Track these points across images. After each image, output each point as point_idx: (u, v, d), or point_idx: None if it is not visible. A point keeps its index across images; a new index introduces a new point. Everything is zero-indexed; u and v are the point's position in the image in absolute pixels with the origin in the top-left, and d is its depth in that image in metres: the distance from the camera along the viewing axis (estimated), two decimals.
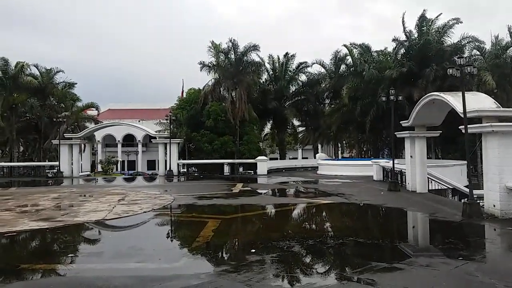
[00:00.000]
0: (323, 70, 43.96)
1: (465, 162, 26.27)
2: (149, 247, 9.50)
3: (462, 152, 32.47)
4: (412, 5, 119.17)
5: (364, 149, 46.99)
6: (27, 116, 41.88)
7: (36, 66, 40.31)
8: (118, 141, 72.46)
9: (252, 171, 34.98)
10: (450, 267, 7.38)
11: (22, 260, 8.67)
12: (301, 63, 44.13)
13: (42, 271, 7.69)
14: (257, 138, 41.04)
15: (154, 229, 12.36)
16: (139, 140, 71.69)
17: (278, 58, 45.19)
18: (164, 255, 8.78)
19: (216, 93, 38.06)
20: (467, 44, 36.07)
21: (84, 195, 19.42)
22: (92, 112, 47.17)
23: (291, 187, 24.79)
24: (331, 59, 43.03)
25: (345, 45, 41.53)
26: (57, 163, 34.17)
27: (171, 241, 11.17)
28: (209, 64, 37.75)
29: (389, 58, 38.70)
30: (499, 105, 13.06)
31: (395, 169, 21.17)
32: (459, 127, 13.32)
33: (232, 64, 37.74)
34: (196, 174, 35.41)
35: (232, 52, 37.80)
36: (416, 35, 37.43)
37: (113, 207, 14.82)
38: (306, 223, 14.06)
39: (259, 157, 35.27)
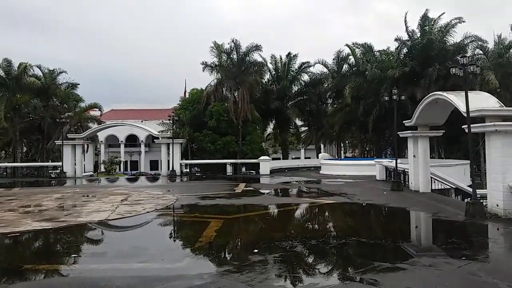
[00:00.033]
0: (325, 70, 44.00)
1: (468, 161, 26.32)
2: (152, 247, 9.51)
3: (465, 151, 32.45)
4: (415, 4, 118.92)
5: (367, 148, 46.89)
6: (30, 117, 41.98)
7: (39, 67, 40.46)
8: (121, 141, 72.64)
9: (255, 171, 34.99)
10: (453, 267, 7.36)
11: (25, 260, 8.69)
12: (303, 63, 44.14)
13: (45, 271, 7.71)
14: (259, 138, 41.02)
15: (157, 229, 12.37)
16: (142, 141, 71.84)
17: (281, 58, 45.22)
18: (167, 255, 8.78)
19: (218, 93, 38.06)
20: (470, 44, 36.05)
21: (87, 195, 19.46)
22: (95, 112, 47.29)
23: (294, 187, 24.78)
24: (333, 59, 43.07)
25: (347, 45, 41.54)
26: (60, 163, 34.26)
27: (174, 241, 11.19)
28: (212, 65, 37.77)
29: (391, 58, 38.67)
30: (502, 105, 13.00)
31: (398, 168, 21.13)
32: (462, 127, 13.29)
33: (235, 64, 37.75)
34: (198, 174, 35.44)
35: (235, 52, 37.81)
36: (418, 35, 37.40)
37: (116, 207, 14.85)
38: (309, 223, 14.04)
39: (262, 157, 35.26)
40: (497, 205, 12.22)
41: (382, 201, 17.05)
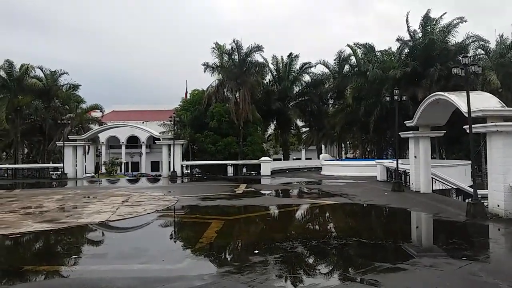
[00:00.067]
0: (326, 70, 43.96)
1: (469, 162, 26.26)
2: (153, 248, 9.52)
3: (467, 152, 32.41)
4: (415, 4, 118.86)
5: (368, 149, 46.86)
6: (32, 118, 42.03)
7: (41, 68, 40.49)
8: (122, 142, 72.67)
9: (256, 172, 34.99)
10: (454, 267, 7.35)
11: (26, 261, 8.70)
12: (304, 64, 44.12)
13: (46, 272, 7.71)
14: (260, 139, 40.99)
15: (158, 230, 12.37)
16: (143, 142, 71.86)
17: (282, 59, 45.22)
18: (168, 256, 8.78)
19: (219, 94, 38.07)
20: (471, 43, 35.98)
21: (88, 197, 19.46)
22: (96, 113, 47.32)
23: (295, 188, 24.77)
24: (335, 59, 43.06)
25: (349, 45, 41.54)
26: (61, 164, 34.30)
27: (175, 242, 11.20)
28: (213, 65, 37.79)
29: (393, 58, 38.69)
30: (504, 105, 12.98)
31: (399, 169, 21.11)
32: (464, 127, 13.27)
33: (236, 65, 37.76)
34: (199, 175, 35.45)
35: (236, 53, 37.83)
36: (420, 35, 37.38)
37: (117, 209, 14.86)
38: (310, 224, 14.03)
39: (263, 158, 35.26)
40: (498, 206, 12.20)
41: (383, 201, 17.03)
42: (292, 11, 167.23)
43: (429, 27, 36.92)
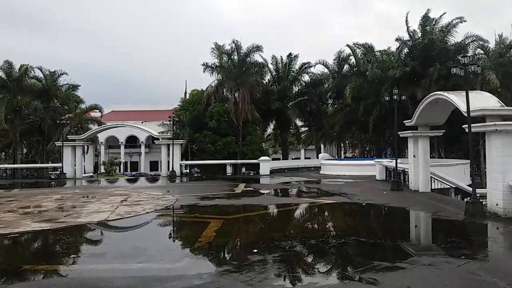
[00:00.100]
0: (326, 70, 43.98)
1: (468, 161, 26.31)
2: (152, 248, 9.52)
3: (465, 151, 32.44)
4: (415, 4, 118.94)
5: (367, 148, 46.88)
6: (31, 118, 42.00)
7: (40, 69, 40.44)
8: (121, 142, 72.62)
9: (255, 172, 34.97)
10: (453, 266, 7.35)
11: (25, 261, 8.69)
12: (304, 64, 44.12)
13: (44, 272, 7.71)
14: (259, 139, 40.99)
15: (157, 230, 12.36)
16: (142, 142, 71.83)
17: (281, 59, 45.21)
18: (167, 256, 8.78)
19: (219, 94, 38.05)
20: (471, 43, 36.01)
21: (87, 196, 19.44)
22: (95, 113, 47.30)
23: (294, 187, 24.77)
24: (334, 59, 43.08)
25: (348, 45, 41.56)
26: (60, 164, 34.26)
27: (173, 241, 11.20)
28: (212, 65, 37.76)
29: (392, 58, 38.69)
30: (503, 104, 13.00)
31: (398, 168, 21.12)
32: (463, 126, 13.28)
33: (235, 65, 37.74)
34: (198, 175, 35.44)
35: (235, 53, 37.81)
36: (419, 35, 37.40)
37: (116, 208, 14.85)
38: (309, 223, 14.04)
39: (262, 158, 35.26)
40: (497, 205, 12.22)
41: (382, 200, 17.04)
42: (292, 11, 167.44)
43: (429, 27, 36.93)
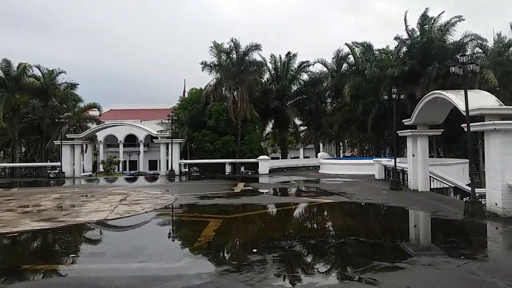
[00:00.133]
0: (325, 69, 44.02)
1: (467, 160, 26.31)
2: (151, 247, 9.50)
3: (464, 150, 32.50)
4: (415, 4, 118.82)
5: (366, 148, 46.92)
6: (29, 117, 41.94)
7: (38, 67, 40.38)
8: (120, 141, 72.61)
9: (254, 171, 34.95)
10: (452, 266, 7.35)
11: (24, 260, 8.68)
12: (303, 62, 44.15)
13: (44, 271, 7.69)
14: (258, 138, 41.01)
15: (156, 229, 12.36)
16: (141, 140, 71.82)
17: (280, 58, 45.22)
18: (166, 255, 8.77)
19: (218, 93, 38.05)
20: (469, 42, 36.05)
21: (86, 195, 19.43)
22: (94, 112, 47.25)
23: (293, 187, 24.75)
24: (333, 58, 43.08)
25: (347, 44, 41.57)
26: (59, 163, 34.20)
27: (173, 241, 11.19)
28: (211, 64, 37.77)
29: (391, 57, 38.68)
30: (502, 103, 13.00)
31: (397, 168, 21.11)
32: (462, 125, 13.28)
33: (234, 64, 37.73)
34: (197, 174, 35.40)
35: (234, 52, 37.79)
36: (418, 33, 37.41)
37: (115, 207, 14.83)
38: (308, 223, 14.04)
39: (261, 157, 35.23)
40: (496, 204, 12.22)
41: (381, 200, 17.05)
42: (292, 11, 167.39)
43: (427, 26, 36.93)
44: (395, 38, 38.17)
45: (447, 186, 20.19)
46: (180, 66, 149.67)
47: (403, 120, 19.39)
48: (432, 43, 35.46)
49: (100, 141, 63.93)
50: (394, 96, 21.04)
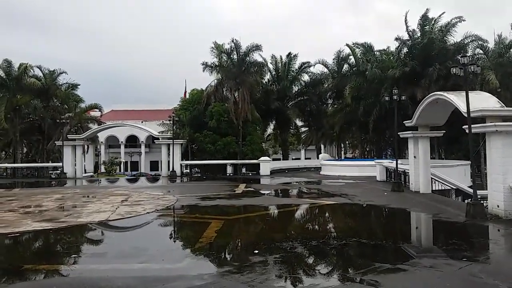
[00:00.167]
0: (326, 70, 43.94)
1: (469, 162, 26.32)
2: (152, 248, 9.51)
3: (466, 152, 32.44)
4: (415, 4, 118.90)
5: (367, 149, 46.88)
6: (31, 118, 41.96)
7: (40, 68, 40.39)
8: (121, 142, 72.62)
9: (255, 172, 34.95)
10: (454, 268, 7.35)
11: (25, 260, 8.69)
12: (303, 63, 44.07)
13: (45, 271, 7.71)
14: (260, 139, 40.97)
15: (157, 230, 12.37)
16: (142, 141, 71.83)
17: (281, 58, 45.18)
18: (167, 256, 8.78)
19: (219, 94, 38.04)
20: (470, 43, 36.01)
21: (87, 196, 19.45)
22: (95, 113, 47.27)
23: (294, 188, 24.75)
24: (333, 59, 43.03)
25: (347, 45, 41.52)
26: (60, 164, 34.24)
27: (174, 241, 11.20)
28: (212, 65, 37.73)
29: (392, 58, 38.68)
30: (503, 105, 12.99)
31: (399, 169, 21.11)
32: (463, 127, 13.28)
33: (235, 65, 37.73)
34: (199, 175, 35.40)
35: (235, 53, 37.77)
36: (419, 34, 37.38)
37: (116, 208, 14.84)
38: (309, 224, 14.03)
39: (262, 158, 35.22)
40: (498, 206, 12.21)
41: (383, 202, 17.03)
42: (292, 11, 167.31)
43: (428, 26, 36.92)
44: (396, 39, 38.15)
45: (449, 188, 20.16)
46: (180, 66, 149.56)
47: (404, 122, 19.37)
48: (433, 44, 35.44)
49: (101, 142, 63.94)
50: (395, 97, 21.05)
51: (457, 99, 13.71)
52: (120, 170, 64.80)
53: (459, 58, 13.95)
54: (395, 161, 21.36)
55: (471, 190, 15.20)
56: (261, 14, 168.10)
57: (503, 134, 12.02)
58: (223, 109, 36.45)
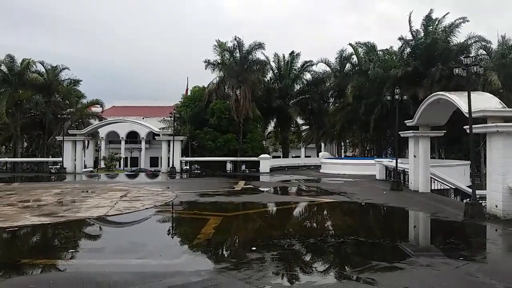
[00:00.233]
0: (328, 68, 43.87)
1: (469, 162, 26.29)
2: (150, 244, 9.52)
3: (466, 152, 32.41)
4: (417, 4, 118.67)
5: (368, 148, 46.86)
6: (32, 113, 42.02)
7: (42, 63, 40.44)
8: (122, 138, 72.63)
9: (255, 169, 34.94)
10: (451, 267, 7.35)
11: (23, 255, 8.70)
12: (306, 62, 44.01)
13: (43, 266, 7.71)
14: (260, 136, 40.98)
15: (156, 226, 12.37)
16: (143, 137, 71.82)
17: (283, 57, 45.12)
18: (165, 252, 8.79)
19: (220, 91, 38.06)
20: (473, 44, 35.89)
21: (87, 191, 19.46)
22: (96, 109, 47.23)
23: (293, 185, 24.76)
24: (336, 58, 42.94)
25: (350, 44, 41.46)
26: (60, 159, 34.29)
27: (172, 237, 11.21)
28: (214, 62, 37.78)
29: (394, 57, 38.61)
30: (505, 105, 12.97)
31: (398, 168, 21.10)
32: (464, 127, 13.26)
33: (237, 63, 37.70)
34: (198, 172, 35.42)
35: (237, 51, 37.74)
36: (422, 34, 37.29)
37: (115, 203, 14.86)
38: (308, 222, 14.04)
39: (262, 155, 35.21)
40: (496, 206, 12.20)
41: (382, 200, 17.03)
42: (292, 11, 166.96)
43: (431, 27, 36.82)
44: (399, 39, 38.07)
45: (448, 187, 20.16)
46: (181, 64, 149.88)
47: (405, 121, 19.34)
48: (436, 44, 35.34)
49: (102, 137, 63.88)
50: (397, 96, 20.99)
51: (458, 99, 13.68)
52: (120, 166, 64.85)
53: (462, 58, 13.91)
54: (394, 160, 21.35)
55: (470, 190, 15.18)
56: (261, 14, 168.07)
57: (504, 134, 12.00)
58: (224, 107, 36.44)
